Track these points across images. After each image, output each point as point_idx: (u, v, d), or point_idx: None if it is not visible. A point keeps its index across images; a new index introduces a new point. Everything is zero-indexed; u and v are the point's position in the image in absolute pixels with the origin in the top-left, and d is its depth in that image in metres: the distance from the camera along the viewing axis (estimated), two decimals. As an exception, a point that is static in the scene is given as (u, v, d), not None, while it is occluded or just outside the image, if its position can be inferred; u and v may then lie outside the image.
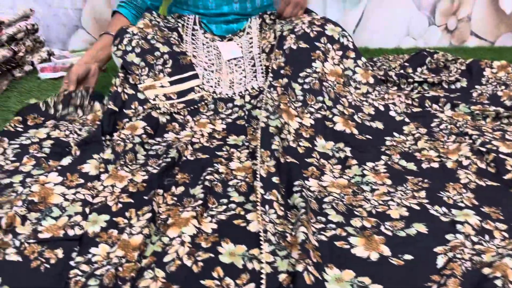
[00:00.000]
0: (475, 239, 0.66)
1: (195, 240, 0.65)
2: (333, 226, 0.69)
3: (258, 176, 0.74)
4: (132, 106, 1.00)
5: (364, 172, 0.84)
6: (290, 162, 0.81)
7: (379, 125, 0.99)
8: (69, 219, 0.68)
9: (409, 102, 1.14)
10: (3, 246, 0.62)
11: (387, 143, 0.94)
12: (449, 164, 0.86)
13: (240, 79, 1.15)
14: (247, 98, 1.08)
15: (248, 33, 1.26)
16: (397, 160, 0.88)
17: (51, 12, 1.59)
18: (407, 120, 1.01)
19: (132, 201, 0.73)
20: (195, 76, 1.09)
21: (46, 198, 0.72)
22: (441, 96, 1.15)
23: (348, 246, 0.65)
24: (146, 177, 0.80)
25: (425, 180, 0.81)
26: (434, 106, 1.11)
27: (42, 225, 0.67)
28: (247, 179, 0.81)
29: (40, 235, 0.65)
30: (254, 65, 1.17)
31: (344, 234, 0.67)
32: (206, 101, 1.06)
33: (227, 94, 1.10)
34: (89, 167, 0.81)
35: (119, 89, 1.02)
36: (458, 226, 0.68)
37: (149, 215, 0.69)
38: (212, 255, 0.62)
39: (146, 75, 1.05)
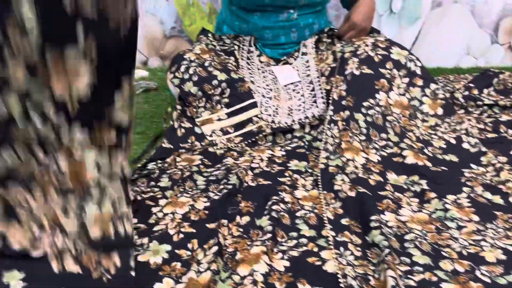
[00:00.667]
0: None
1: (267, 279, 0.59)
2: (420, 269, 0.61)
3: (325, 219, 0.71)
4: (189, 141, 0.97)
5: (446, 206, 0.76)
6: (362, 193, 0.75)
7: (453, 158, 0.89)
8: None
9: (482, 126, 1.05)
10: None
11: (466, 174, 0.85)
12: None
13: (299, 105, 1.09)
14: (307, 128, 1.02)
15: (303, 53, 1.21)
16: (481, 192, 0.79)
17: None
18: (483, 149, 0.91)
19: (194, 231, 0.69)
20: (254, 105, 1.04)
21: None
22: None
23: None
24: (208, 203, 0.75)
25: None
26: (510, 131, 1.01)
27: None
28: (316, 210, 0.75)
29: None
30: (313, 90, 1.11)
31: (434, 279, 0.59)
32: (264, 133, 1.00)
33: (286, 123, 1.04)
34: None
35: (176, 124, 0.99)
36: None
37: (215, 248, 0.64)
38: (288, 298, 0.56)
39: (203, 107, 1.02)
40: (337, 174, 0.81)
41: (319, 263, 0.63)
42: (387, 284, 0.54)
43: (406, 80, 1.01)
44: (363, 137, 0.90)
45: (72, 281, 0.56)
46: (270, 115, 1.06)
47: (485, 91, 1.25)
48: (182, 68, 1.05)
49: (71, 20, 0.50)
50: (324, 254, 0.65)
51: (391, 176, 0.83)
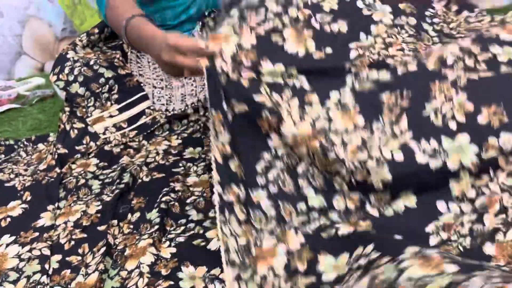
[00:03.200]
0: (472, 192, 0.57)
1: (154, 269, 0.63)
2: (316, 215, 0.62)
3: (213, 163, 0.64)
4: (84, 141, 0.97)
5: (329, 114, 0.66)
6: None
7: (342, 25, 0.74)
8: (28, 281, 0.64)
9: None
10: None
11: (352, 48, 0.73)
12: (430, 66, 0.67)
13: (191, 90, 1.12)
14: (201, 111, 1.05)
15: None
16: (366, 74, 0.69)
17: (-11, 42, 1.53)
18: (376, 17, 0.77)
19: (85, 235, 0.71)
20: (145, 97, 1.06)
21: (0, 266, 0.67)
22: None
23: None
24: (100, 206, 0.78)
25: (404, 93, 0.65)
26: None
27: None
28: (205, 194, 0.79)
29: None
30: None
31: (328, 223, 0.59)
32: (159, 123, 1.02)
33: (180, 109, 1.06)
34: (44, 220, 0.76)
35: (67, 127, 0.99)
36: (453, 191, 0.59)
37: (103, 249, 0.67)
38: (172, 282, 0.61)
39: (93, 105, 1.02)
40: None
41: (203, 243, 0.68)
42: (275, 252, 0.56)
43: None
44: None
45: None
46: (163, 104, 1.08)
47: None
48: (66, 70, 1.05)
49: None
50: (208, 234, 0.69)
51: (266, 66, 0.68)
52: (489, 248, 0.54)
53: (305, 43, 0.71)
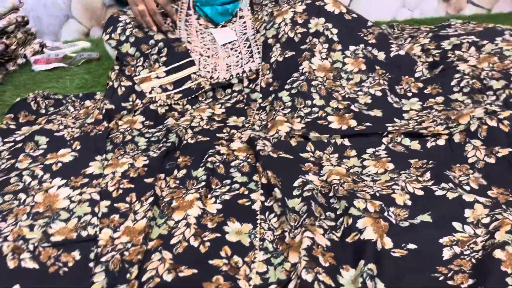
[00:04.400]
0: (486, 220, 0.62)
1: (200, 221, 0.65)
2: (340, 219, 0.64)
3: (259, 184, 0.73)
4: (130, 99, 0.99)
5: (363, 163, 0.77)
6: (283, 158, 0.78)
7: (377, 113, 0.91)
8: (79, 220, 0.66)
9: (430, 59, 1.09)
10: (17, 251, 0.59)
11: (389, 129, 0.85)
12: (457, 137, 0.79)
13: (236, 61, 1.13)
14: (246, 82, 1.06)
15: (241, 17, 1.23)
16: (400, 139, 0.82)
17: (40, 3, 1.57)
18: (406, 108, 0.93)
19: (132, 186, 0.73)
20: (191, 63, 1.08)
21: (52, 206, 0.69)
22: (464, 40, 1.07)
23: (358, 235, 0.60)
24: (147, 161, 0.79)
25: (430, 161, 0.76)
26: (457, 52, 1.04)
27: (52, 228, 0.64)
28: (249, 160, 0.80)
29: (53, 238, 0.63)
30: (249, 46, 1.15)
31: (350, 221, 0.62)
32: (204, 89, 1.04)
33: (224, 78, 1.08)
34: (93, 168, 0.78)
35: (115, 84, 1.01)
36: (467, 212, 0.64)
37: (151, 199, 0.69)
38: (218, 234, 0.62)
39: (141, 65, 1.04)
40: (258, 139, 0.82)
41: (248, 203, 0.69)
42: (303, 244, 0.57)
43: (326, 45, 1.05)
44: (287, 110, 0.94)
45: (28, 276, 0.57)
46: (208, 71, 1.10)
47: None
48: (119, 30, 1.08)
49: None
50: (253, 196, 0.70)
51: (313, 134, 0.85)
52: (499, 254, 0.54)
53: (347, 121, 0.88)
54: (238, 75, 1.08)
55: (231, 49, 1.17)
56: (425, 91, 0.97)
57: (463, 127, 0.80)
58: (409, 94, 0.97)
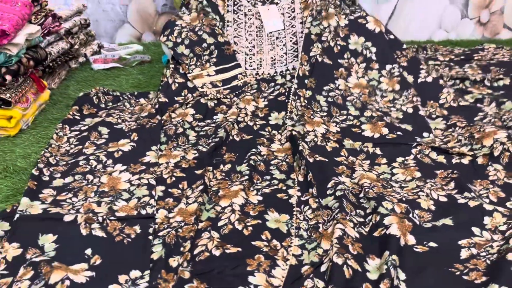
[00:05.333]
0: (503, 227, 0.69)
1: (244, 209, 0.74)
2: (369, 216, 0.71)
3: (296, 181, 0.81)
4: (182, 94, 1.11)
5: (393, 171, 0.85)
6: (319, 161, 0.86)
7: (408, 127, 0.99)
8: (139, 201, 0.76)
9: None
10: (89, 221, 0.70)
11: (418, 140, 0.94)
12: (480, 160, 0.86)
13: (281, 55, 1.24)
14: (288, 77, 1.18)
15: None
16: (428, 152, 0.89)
17: (100, 8, 1.71)
18: (432, 126, 1.01)
19: (184, 175, 0.83)
20: (238, 66, 1.21)
21: (115, 187, 0.79)
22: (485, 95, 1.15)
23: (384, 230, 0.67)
24: (197, 155, 0.89)
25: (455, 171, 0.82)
26: (479, 105, 1.11)
27: (116, 205, 0.74)
28: (287, 160, 0.89)
29: (117, 214, 0.72)
30: (295, 43, 1.25)
31: (377, 218, 0.69)
32: (249, 85, 1.16)
33: (269, 74, 1.20)
34: (149, 157, 0.88)
35: (170, 80, 1.13)
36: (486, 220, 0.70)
37: (201, 187, 0.78)
38: (259, 221, 0.71)
39: (194, 64, 1.17)
40: (298, 140, 0.91)
41: (286, 197, 0.77)
42: (334, 234, 0.65)
43: (363, 65, 1.14)
44: (324, 113, 1.03)
45: (98, 243, 0.67)
46: (254, 69, 1.23)
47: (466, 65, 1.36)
48: (175, 33, 1.20)
49: None
50: (290, 191, 0.79)
51: (347, 142, 0.94)
52: (511, 256, 0.61)
53: (379, 129, 0.97)
54: (282, 73, 1.21)
55: (277, 38, 1.27)
56: (452, 119, 1.03)
57: (487, 150, 0.87)
58: (434, 116, 1.05)
